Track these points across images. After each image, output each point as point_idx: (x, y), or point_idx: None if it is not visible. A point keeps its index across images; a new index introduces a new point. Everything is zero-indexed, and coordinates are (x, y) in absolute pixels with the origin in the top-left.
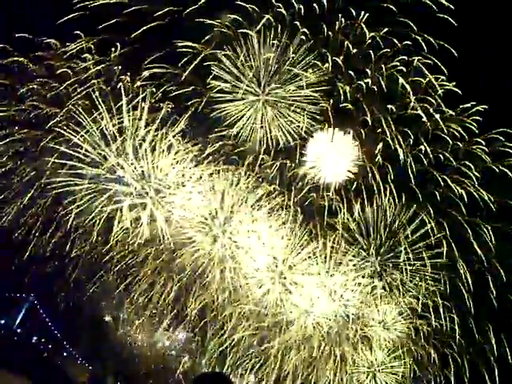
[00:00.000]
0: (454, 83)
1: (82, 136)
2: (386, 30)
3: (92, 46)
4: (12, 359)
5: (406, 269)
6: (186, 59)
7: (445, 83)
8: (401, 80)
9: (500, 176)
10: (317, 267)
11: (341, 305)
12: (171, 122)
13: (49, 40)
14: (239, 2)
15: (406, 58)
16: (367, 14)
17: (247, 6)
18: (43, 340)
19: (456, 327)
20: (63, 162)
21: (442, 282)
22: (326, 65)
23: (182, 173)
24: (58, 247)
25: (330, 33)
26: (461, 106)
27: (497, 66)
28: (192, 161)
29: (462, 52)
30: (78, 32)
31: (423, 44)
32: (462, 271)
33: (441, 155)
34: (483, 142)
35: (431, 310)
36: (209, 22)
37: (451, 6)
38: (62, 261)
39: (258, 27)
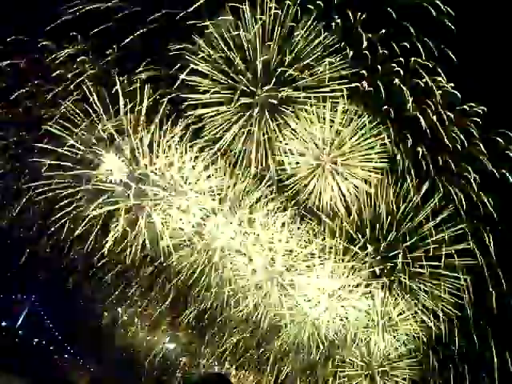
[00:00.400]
0: (453, 84)
1: (79, 138)
2: (383, 31)
3: (88, 48)
4: (13, 361)
5: (404, 270)
6: (182, 61)
7: (443, 85)
8: (398, 82)
9: (500, 179)
10: (315, 269)
11: (339, 306)
12: (169, 123)
13: (45, 42)
14: (236, 4)
15: (403, 60)
16: (364, 16)
17: (243, 7)
18: (44, 342)
19: (455, 329)
20: (60, 163)
21: (441, 286)
22: (323, 66)
23: (179, 175)
24: (56, 249)
25: (326, 34)
26: (457, 108)
27: (496, 69)
28: (190, 161)
29: (461, 55)
30: (75, 33)
31: (420, 47)
32: (461, 274)
33: (439, 157)
34: (481, 145)
35: (430, 312)
36: (205, 23)
37: (450, 11)
38: (60, 262)
39: (254, 28)
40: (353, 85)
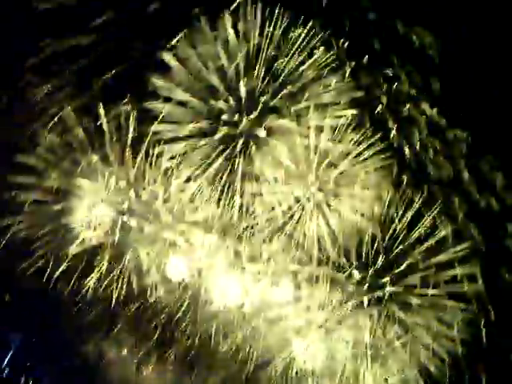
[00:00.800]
0: (436, 109)
1: (62, 171)
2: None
3: (72, 81)
4: None
5: (392, 300)
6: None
7: (427, 110)
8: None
9: (486, 209)
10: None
11: (327, 338)
12: (154, 155)
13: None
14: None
15: (386, 86)
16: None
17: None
18: (31, 382)
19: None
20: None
21: (430, 316)
22: (307, 95)
23: (165, 207)
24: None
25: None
26: (442, 135)
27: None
28: (176, 193)
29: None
30: (59, 66)
31: (403, 75)
32: (450, 308)
33: (424, 185)
34: (466, 172)
35: (421, 346)
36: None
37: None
38: (45, 299)
39: (238, 57)
40: (337, 113)
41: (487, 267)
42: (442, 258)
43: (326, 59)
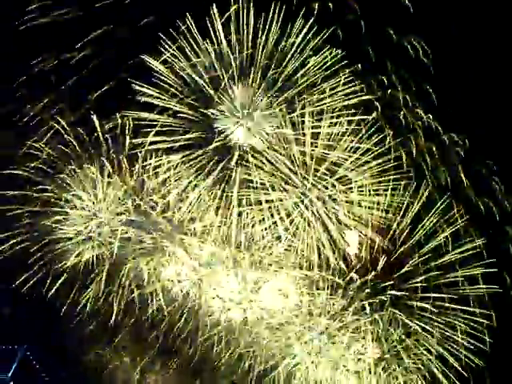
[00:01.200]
0: (430, 115)
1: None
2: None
3: (66, 95)
4: None
5: (393, 304)
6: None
7: (421, 116)
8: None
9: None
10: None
11: (329, 344)
12: (152, 166)
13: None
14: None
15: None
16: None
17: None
18: None
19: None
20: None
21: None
22: (302, 102)
23: (163, 216)
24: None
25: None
26: (437, 139)
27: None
28: (175, 203)
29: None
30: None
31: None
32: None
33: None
34: (464, 177)
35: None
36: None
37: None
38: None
39: (232, 67)
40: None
41: (488, 270)
42: (442, 260)
43: (321, 66)
